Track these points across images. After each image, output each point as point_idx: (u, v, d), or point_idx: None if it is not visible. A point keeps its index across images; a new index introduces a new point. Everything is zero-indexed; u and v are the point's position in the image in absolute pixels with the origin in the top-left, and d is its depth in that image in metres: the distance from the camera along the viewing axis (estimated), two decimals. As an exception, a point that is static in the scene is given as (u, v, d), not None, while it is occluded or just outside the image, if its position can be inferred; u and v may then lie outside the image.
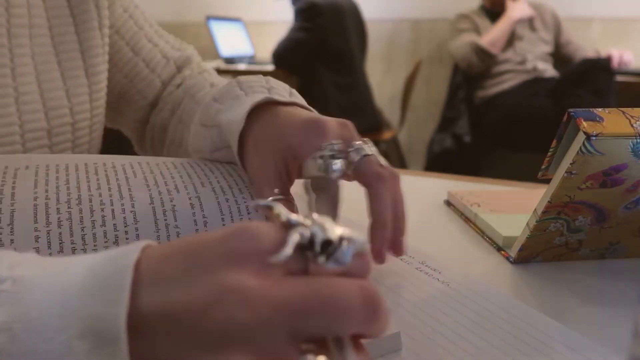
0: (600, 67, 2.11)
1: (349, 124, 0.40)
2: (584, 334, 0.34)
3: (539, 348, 0.32)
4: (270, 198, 0.36)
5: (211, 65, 2.86)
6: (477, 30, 2.48)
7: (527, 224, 0.43)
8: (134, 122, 0.63)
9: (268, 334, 0.19)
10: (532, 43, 2.46)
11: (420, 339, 0.32)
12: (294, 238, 0.21)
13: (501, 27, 2.39)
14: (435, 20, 3.01)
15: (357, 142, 0.37)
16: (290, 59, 2.46)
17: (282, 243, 0.21)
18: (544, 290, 0.41)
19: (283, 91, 0.46)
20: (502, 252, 0.47)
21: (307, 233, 0.22)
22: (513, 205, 0.55)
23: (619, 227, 0.43)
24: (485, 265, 0.45)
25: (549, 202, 0.40)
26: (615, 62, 2.34)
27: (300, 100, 0.45)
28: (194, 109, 0.56)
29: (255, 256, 0.21)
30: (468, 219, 0.55)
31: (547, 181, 0.42)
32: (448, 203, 0.61)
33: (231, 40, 3.04)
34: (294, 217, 0.22)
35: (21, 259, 0.22)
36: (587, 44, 2.59)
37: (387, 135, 2.71)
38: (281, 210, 0.23)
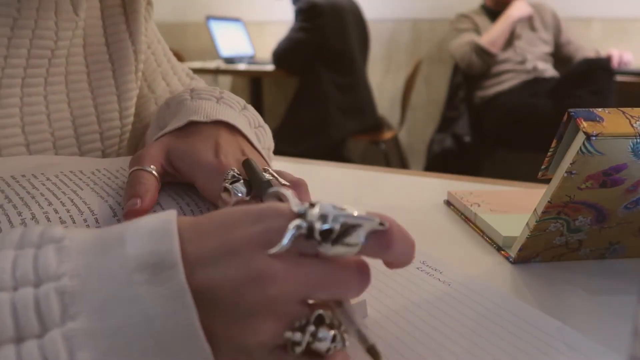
0: (600, 67, 2.11)
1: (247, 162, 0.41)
2: (584, 333, 0.34)
3: (539, 347, 0.32)
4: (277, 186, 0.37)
5: (211, 65, 2.87)
6: (477, 30, 2.48)
7: (527, 224, 0.43)
8: None
9: (289, 304, 0.24)
10: (532, 43, 2.46)
11: (420, 337, 0.32)
12: (291, 231, 0.24)
13: (501, 26, 2.39)
14: (435, 20, 3.01)
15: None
16: (290, 59, 2.46)
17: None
18: (544, 290, 0.41)
19: (235, 103, 0.49)
20: (502, 252, 0.47)
21: (304, 224, 0.24)
22: (513, 205, 0.55)
23: (619, 227, 0.44)
24: (485, 265, 0.45)
25: (549, 202, 0.40)
26: (615, 62, 2.34)
27: (236, 118, 0.46)
28: None
29: (275, 241, 0.24)
30: (468, 219, 0.55)
31: (547, 181, 0.42)
32: (448, 203, 0.61)
33: (231, 40, 3.03)
34: (298, 206, 0.25)
35: (65, 229, 0.26)
36: (587, 44, 2.59)
37: (387, 135, 2.71)
38: (290, 198, 0.26)
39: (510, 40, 2.44)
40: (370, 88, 2.67)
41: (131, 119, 0.57)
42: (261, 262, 0.24)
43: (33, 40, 0.45)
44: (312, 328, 0.25)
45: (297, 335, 0.24)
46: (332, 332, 0.25)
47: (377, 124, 2.70)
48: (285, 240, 0.24)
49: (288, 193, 0.26)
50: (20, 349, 0.21)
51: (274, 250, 0.24)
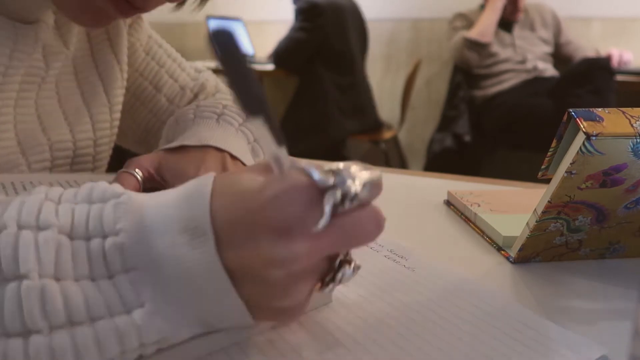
0: (600, 67, 2.10)
1: None
2: (584, 334, 0.34)
3: (539, 350, 0.32)
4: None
5: (211, 65, 2.87)
6: (471, 27, 2.49)
7: (527, 224, 0.43)
8: None
9: (316, 266, 0.28)
10: (532, 43, 2.46)
11: (409, 337, 0.32)
12: (329, 206, 0.26)
13: (488, 14, 2.38)
14: (434, 20, 3.01)
15: None
16: (290, 59, 2.45)
17: (318, 204, 0.26)
18: (544, 290, 0.41)
19: (235, 118, 0.53)
20: (502, 252, 0.47)
21: (339, 194, 0.26)
22: (513, 205, 0.55)
23: (619, 227, 0.44)
24: (485, 265, 0.45)
25: (549, 202, 0.40)
26: (615, 62, 2.34)
27: (229, 138, 0.50)
28: None
29: (298, 223, 0.26)
30: (468, 219, 0.55)
31: (547, 181, 0.42)
32: (448, 203, 0.61)
33: (231, 40, 3.02)
34: (324, 180, 0.26)
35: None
36: (587, 44, 2.58)
37: (387, 134, 2.71)
38: (314, 174, 0.26)
39: (510, 40, 2.44)
40: (370, 88, 2.67)
41: (116, 129, 0.62)
42: (284, 247, 0.25)
43: (26, 69, 0.49)
44: (339, 275, 0.29)
45: (330, 286, 0.29)
46: (352, 266, 0.29)
47: (377, 124, 2.70)
48: (324, 220, 0.26)
49: (310, 169, 0.27)
50: (99, 285, 0.26)
51: (317, 229, 0.26)
